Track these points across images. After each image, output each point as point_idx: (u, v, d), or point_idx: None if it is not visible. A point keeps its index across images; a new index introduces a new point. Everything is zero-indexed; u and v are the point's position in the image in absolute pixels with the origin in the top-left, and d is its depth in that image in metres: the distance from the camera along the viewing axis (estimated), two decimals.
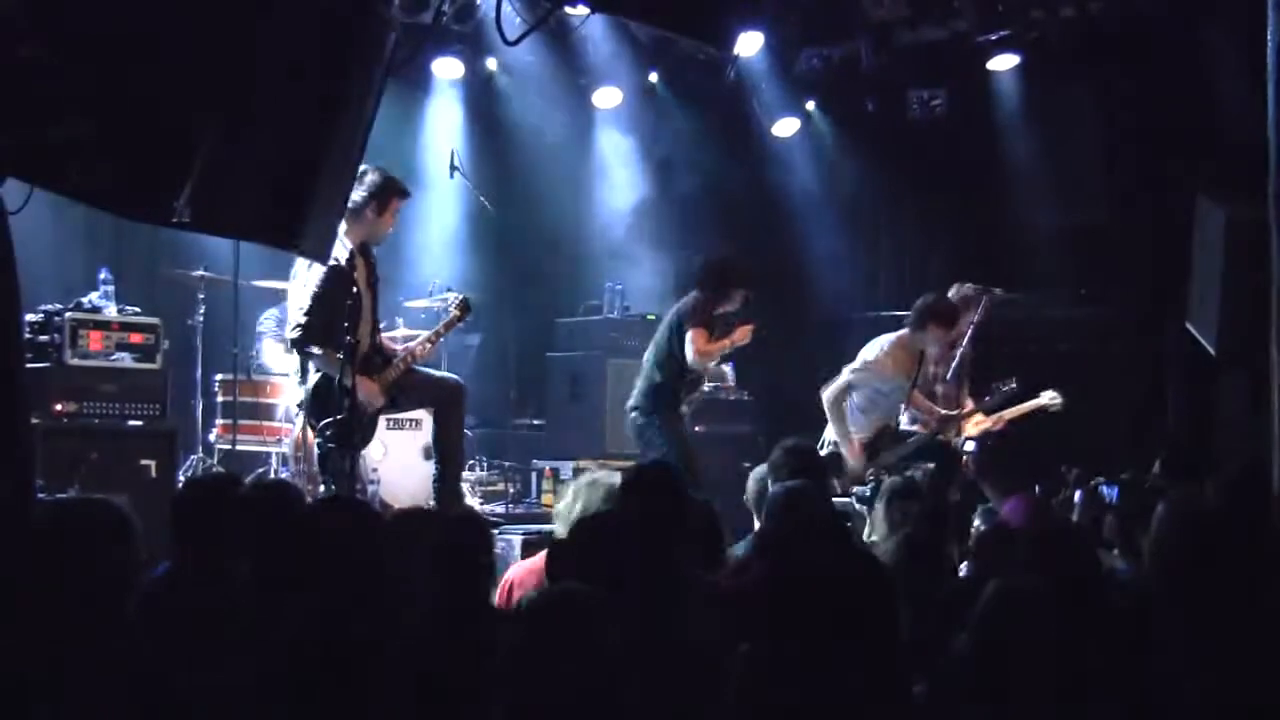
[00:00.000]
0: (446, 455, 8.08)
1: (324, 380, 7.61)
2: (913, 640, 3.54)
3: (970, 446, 8.99)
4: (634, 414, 8.81)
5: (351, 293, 7.46)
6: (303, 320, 7.58)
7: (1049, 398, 9.23)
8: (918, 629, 3.76)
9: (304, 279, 7.64)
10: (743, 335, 8.74)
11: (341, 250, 7.52)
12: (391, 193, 7.80)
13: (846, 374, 8.87)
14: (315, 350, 7.60)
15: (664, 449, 8.47)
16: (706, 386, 9.01)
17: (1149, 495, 5.99)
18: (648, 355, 8.87)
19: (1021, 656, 2.97)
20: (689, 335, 8.58)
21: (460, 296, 8.44)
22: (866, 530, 6.57)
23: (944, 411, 9.09)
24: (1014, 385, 9.03)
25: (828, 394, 8.81)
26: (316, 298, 7.55)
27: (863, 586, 3.16)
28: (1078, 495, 6.60)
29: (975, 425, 9.18)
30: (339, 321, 7.41)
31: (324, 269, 7.46)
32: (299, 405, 8.19)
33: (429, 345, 8.18)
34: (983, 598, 3.15)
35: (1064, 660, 3.02)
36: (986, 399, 9.09)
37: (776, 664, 3.03)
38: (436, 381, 8.28)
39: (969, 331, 9.33)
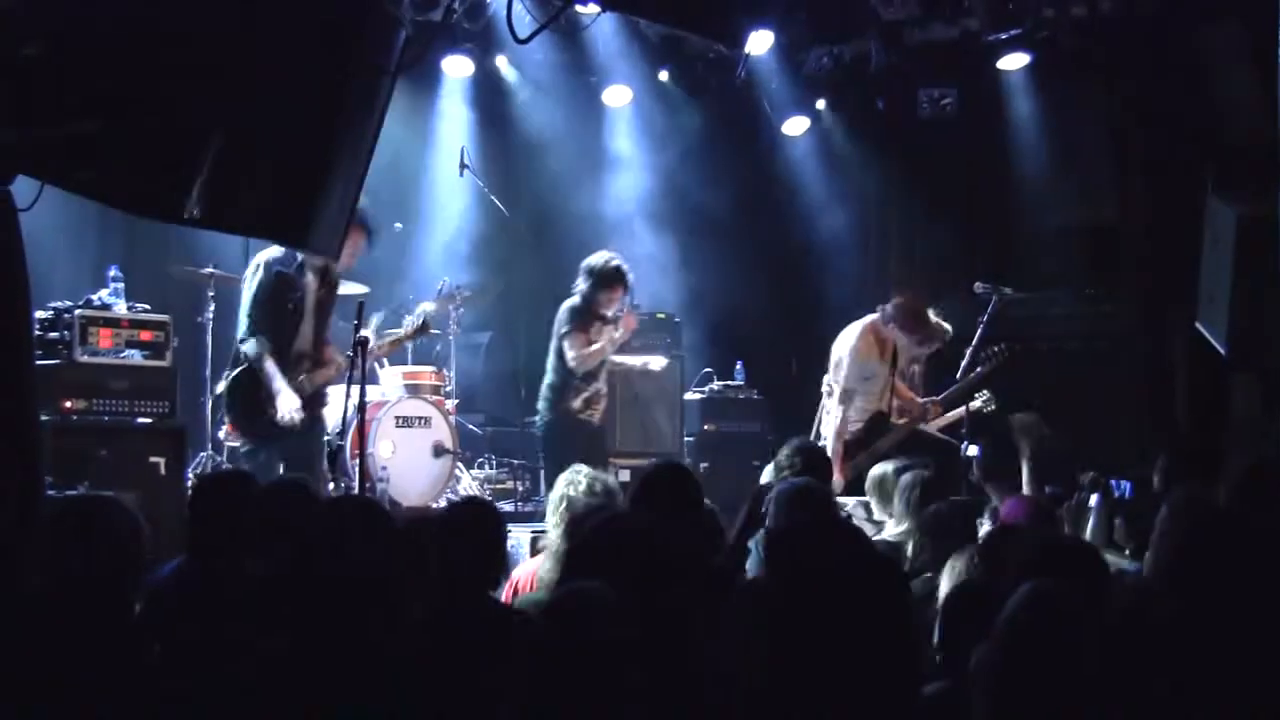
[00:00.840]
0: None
1: (241, 377, 7.99)
2: (926, 641, 3.53)
3: (973, 450, 8.99)
4: (536, 418, 9.24)
5: (295, 300, 7.94)
6: (243, 318, 7.98)
7: (982, 400, 9.25)
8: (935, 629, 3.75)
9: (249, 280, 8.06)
10: (627, 330, 9.10)
11: (291, 260, 7.96)
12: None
13: (839, 390, 8.92)
14: (246, 348, 7.96)
15: (553, 448, 8.94)
16: (602, 387, 9.18)
17: (1157, 495, 5.98)
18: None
19: (1054, 660, 2.95)
20: (565, 344, 8.96)
21: (422, 317, 8.80)
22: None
23: (921, 400, 9.16)
24: (1003, 350, 9.05)
25: (834, 422, 8.90)
26: (254, 299, 7.94)
27: (876, 584, 3.15)
28: (1093, 499, 6.58)
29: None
30: (280, 326, 7.92)
31: (269, 275, 7.90)
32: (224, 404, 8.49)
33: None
34: (1012, 600, 3.13)
35: (1091, 664, 3.00)
36: (978, 369, 9.10)
37: (786, 664, 3.02)
38: None
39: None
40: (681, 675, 3.43)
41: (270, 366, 7.87)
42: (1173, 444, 7.90)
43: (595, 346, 8.92)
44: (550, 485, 8.54)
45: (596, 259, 9.09)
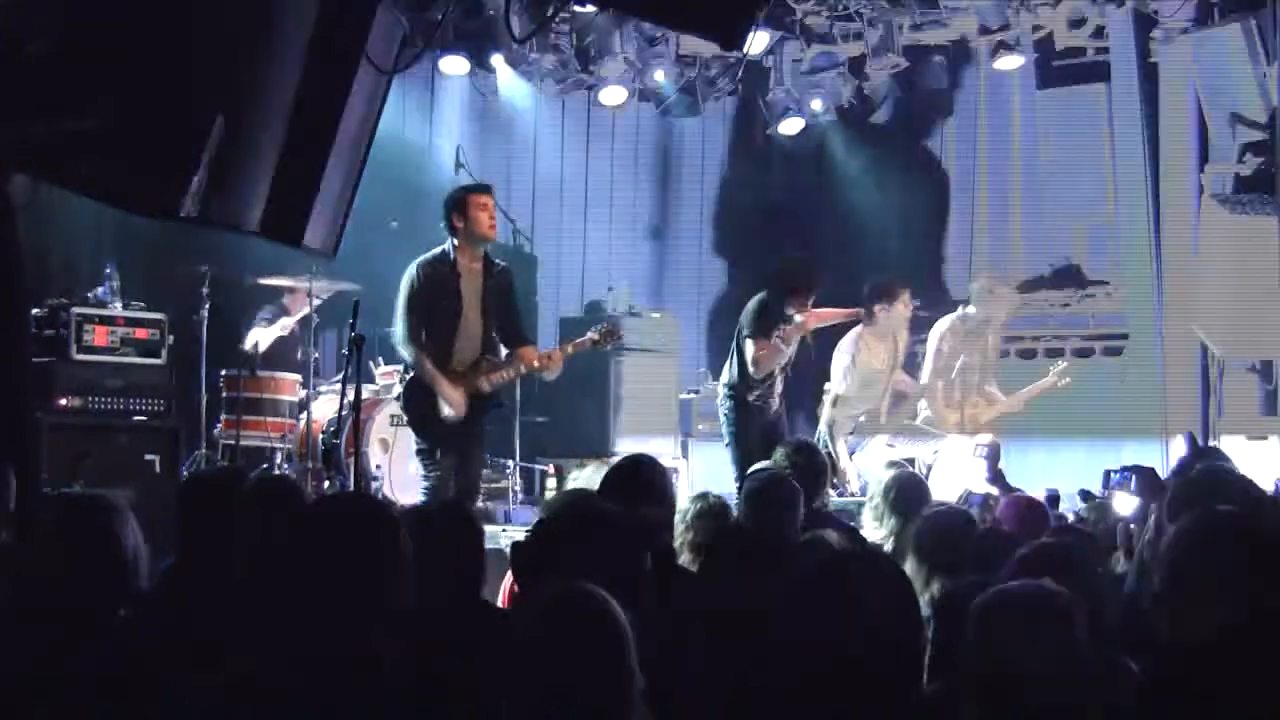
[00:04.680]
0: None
1: (410, 384, 7.81)
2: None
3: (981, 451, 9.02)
4: (719, 397, 9.05)
5: (453, 301, 7.70)
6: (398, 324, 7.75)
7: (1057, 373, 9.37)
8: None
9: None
10: (798, 328, 8.73)
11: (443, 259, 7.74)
12: (464, 193, 7.87)
13: (830, 398, 9.05)
14: (404, 352, 7.76)
15: (730, 436, 8.79)
16: (778, 382, 9.03)
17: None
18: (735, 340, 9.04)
19: (1025, 663, 2.96)
20: (745, 345, 8.74)
21: (606, 325, 8.43)
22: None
23: (919, 384, 9.25)
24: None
25: (825, 424, 8.96)
26: (407, 300, 7.71)
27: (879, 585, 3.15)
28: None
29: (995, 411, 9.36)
30: (434, 328, 7.66)
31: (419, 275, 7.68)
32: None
33: (548, 360, 8.05)
34: (974, 606, 3.14)
35: (1061, 667, 3.00)
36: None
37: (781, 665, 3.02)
38: None
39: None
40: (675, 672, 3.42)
41: (429, 369, 7.71)
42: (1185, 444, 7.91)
43: (769, 351, 8.65)
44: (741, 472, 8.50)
45: (782, 262, 8.94)
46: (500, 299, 7.92)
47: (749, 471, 6.45)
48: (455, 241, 7.78)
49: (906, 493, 6.01)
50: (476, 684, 3.19)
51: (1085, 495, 7.28)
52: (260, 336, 9.79)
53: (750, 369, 8.72)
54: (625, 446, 10.12)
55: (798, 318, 8.62)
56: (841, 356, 9.17)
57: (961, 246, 11.41)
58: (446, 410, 7.69)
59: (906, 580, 3.29)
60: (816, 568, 3.30)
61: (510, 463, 10.68)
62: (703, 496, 5.23)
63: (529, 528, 7.59)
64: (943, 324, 9.43)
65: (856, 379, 9.05)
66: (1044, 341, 10.71)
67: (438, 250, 7.82)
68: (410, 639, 3.38)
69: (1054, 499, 7.31)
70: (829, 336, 9.33)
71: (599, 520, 3.93)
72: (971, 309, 9.31)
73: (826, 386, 9.22)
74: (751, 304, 8.83)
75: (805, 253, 9.35)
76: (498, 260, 8.06)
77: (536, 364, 7.96)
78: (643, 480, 4.92)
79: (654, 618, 3.51)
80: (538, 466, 10.78)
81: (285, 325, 9.95)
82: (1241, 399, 9.77)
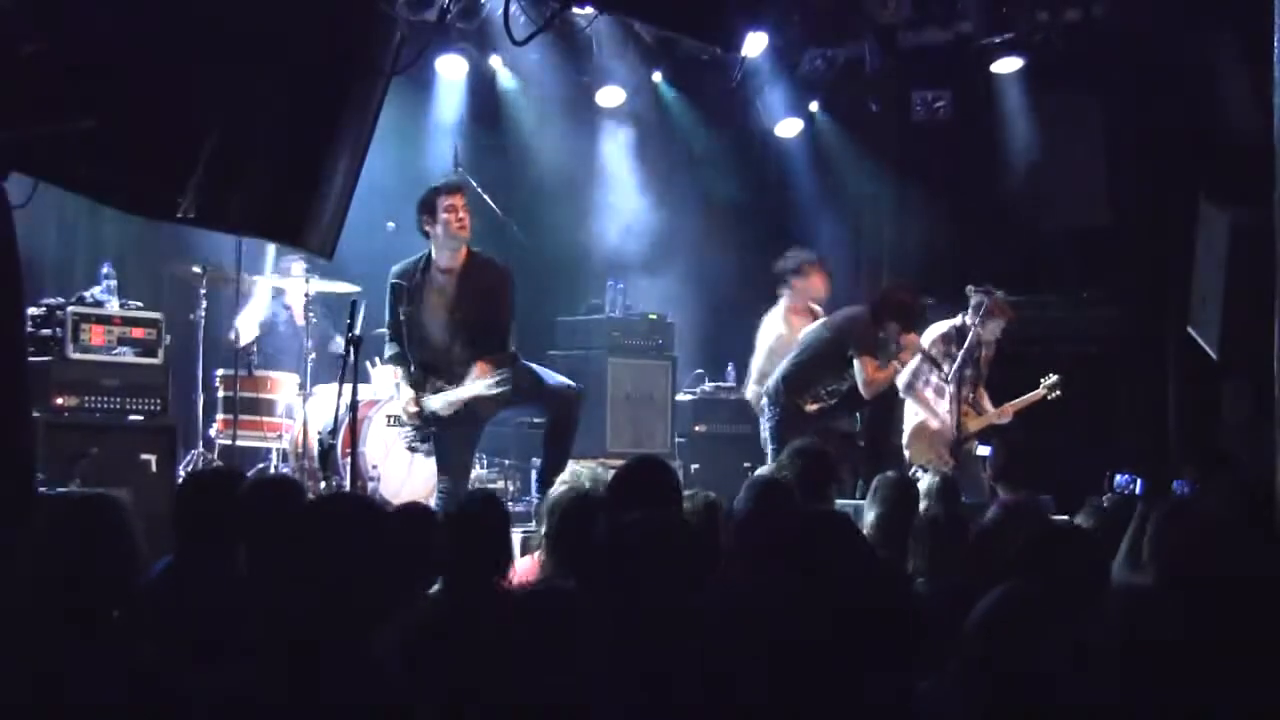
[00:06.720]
0: (552, 462, 8.03)
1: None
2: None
3: (985, 450, 9.01)
4: (762, 402, 9.04)
5: (418, 309, 7.84)
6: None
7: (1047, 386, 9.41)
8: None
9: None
10: (911, 346, 8.76)
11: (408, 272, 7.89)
12: (432, 194, 8.02)
13: (755, 376, 9.36)
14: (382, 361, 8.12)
15: (774, 446, 8.62)
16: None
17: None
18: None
19: (1023, 663, 2.96)
20: (858, 363, 8.69)
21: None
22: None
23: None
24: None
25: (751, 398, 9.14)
26: (388, 310, 7.95)
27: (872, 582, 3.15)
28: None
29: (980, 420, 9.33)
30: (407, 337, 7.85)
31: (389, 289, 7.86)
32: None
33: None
34: (979, 604, 3.14)
35: (1064, 663, 3.01)
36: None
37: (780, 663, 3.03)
38: (553, 388, 8.24)
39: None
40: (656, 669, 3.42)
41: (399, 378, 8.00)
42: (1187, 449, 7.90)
43: (886, 373, 8.69)
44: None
45: (887, 289, 9.01)
46: (481, 299, 7.89)
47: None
48: (431, 244, 7.88)
49: (886, 489, 6.04)
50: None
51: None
52: (241, 324, 9.79)
53: (863, 390, 8.72)
54: (621, 448, 10.13)
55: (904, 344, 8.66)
56: (766, 337, 9.42)
57: (959, 248, 11.39)
58: (433, 405, 7.78)
59: None
60: None
61: (506, 462, 10.68)
62: (689, 496, 5.25)
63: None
64: (935, 330, 9.40)
65: (779, 357, 9.18)
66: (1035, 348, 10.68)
67: (416, 255, 7.92)
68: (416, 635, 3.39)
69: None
70: None
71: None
72: (966, 320, 9.24)
73: (752, 365, 9.49)
74: (853, 322, 8.85)
75: (902, 280, 9.41)
76: (494, 258, 8.07)
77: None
78: (651, 480, 4.95)
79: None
80: (533, 467, 10.76)
81: (258, 307, 9.95)
82: None
